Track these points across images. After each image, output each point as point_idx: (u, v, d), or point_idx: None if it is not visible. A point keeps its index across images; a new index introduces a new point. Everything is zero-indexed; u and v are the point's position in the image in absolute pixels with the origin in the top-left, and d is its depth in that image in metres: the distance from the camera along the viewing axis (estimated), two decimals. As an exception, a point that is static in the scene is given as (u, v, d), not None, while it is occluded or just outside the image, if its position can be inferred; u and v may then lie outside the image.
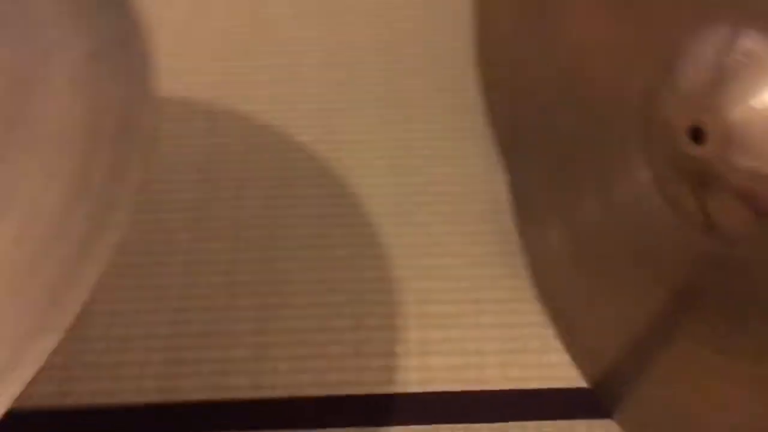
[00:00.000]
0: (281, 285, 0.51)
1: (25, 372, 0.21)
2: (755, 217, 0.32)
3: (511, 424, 0.44)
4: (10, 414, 0.21)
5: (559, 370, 0.47)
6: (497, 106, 0.55)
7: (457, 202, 0.56)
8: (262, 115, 0.61)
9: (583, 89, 0.43)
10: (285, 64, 0.65)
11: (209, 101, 0.62)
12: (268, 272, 0.52)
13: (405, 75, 0.64)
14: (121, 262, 0.52)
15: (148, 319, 0.49)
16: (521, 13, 0.48)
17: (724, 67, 0.32)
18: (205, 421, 0.44)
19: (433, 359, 0.48)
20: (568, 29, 0.43)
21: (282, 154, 0.59)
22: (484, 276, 0.52)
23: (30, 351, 0.21)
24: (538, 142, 0.49)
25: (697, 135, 0.33)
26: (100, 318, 0.49)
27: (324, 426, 0.44)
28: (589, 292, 0.45)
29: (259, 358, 0.47)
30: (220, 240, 0.53)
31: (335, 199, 0.56)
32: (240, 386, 0.46)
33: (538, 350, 0.48)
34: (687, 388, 0.38)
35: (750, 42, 0.31)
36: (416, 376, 0.47)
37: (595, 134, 0.43)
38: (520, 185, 0.52)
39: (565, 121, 0.45)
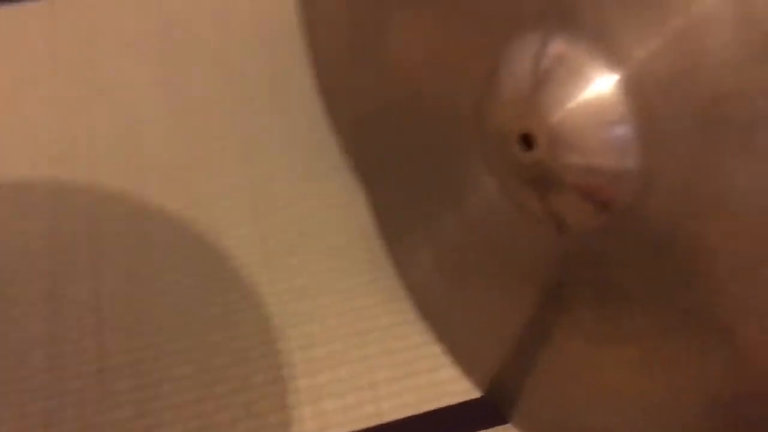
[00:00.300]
0: (157, 360, 0.49)
1: None
2: (595, 210, 0.33)
3: (414, 451, 0.44)
4: None
5: (454, 385, 0.47)
6: (348, 136, 0.55)
7: (326, 237, 0.55)
8: (108, 185, 0.58)
9: (421, 107, 0.44)
10: (124, 126, 0.62)
11: (49, 179, 0.59)
12: (140, 349, 0.49)
13: (255, 119, 0.63)
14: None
15: (16, 426, 0.45)
16: (350, 45, 0.48)
17: (540, 73, 0.33)
18: None
19: (327, 403, 0.47)
20: (395, 51, 0.44)
21: (136, 222, 0.56)
22: (364, 306, 0.51)
23: None
24: (391, 165, 0.49)
25: (527, 141, 0.34)
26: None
27: (226, 499, 0.42)
28: (464, 302, 0.46)
29: (145, 443, 0.45)
30: (82, 325, 0.50)
31: (201, 258, 0.54)
32: (130, 478, 0.43)
33: (429, 370, 0.48)
34: (568, 381, 0.39)
35: (559, 46, 0.32)
36: (313, 424, 0.46)
37: (441, 150, 0.43)
38: (383, 210, 0.52)
39: (412, 141, 0.46)
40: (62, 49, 0.68)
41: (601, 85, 0.31)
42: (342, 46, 0.53)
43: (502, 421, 0.45)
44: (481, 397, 0.46)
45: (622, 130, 0.31)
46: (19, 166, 0.59)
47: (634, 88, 0.30)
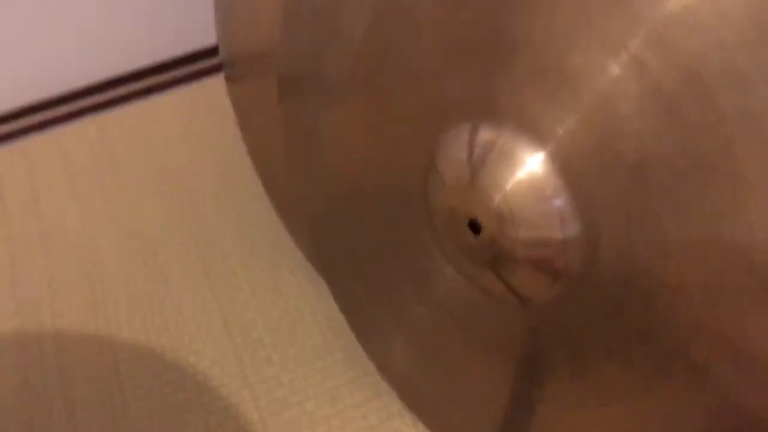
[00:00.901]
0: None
1: None
2: (549, 281, 0.34)
3: None
4: None
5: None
6: (303, 237, 0.55)
7: (300, 342, 0.55)
8: (73, 326, 0.58)
9: (367, 202, 0.44)
10: (81, 263, 0.62)
11: (13, 330, 0.58)
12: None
13: (211, 235, 0.63)
14: None
15: None
16: (288, 152, 0.49)
17: (474, 160, 0.34)
18: None
19: None
20: (330, 153, 0.45)
21: (107, 359, 0.55)
22: (350, 407, 0.51)
23: None
24: (350, 260, 0.49)
25: (474, 227, 0.34)
26: None
27: None
28: (447, 386, 0.46)
29: None
30: (66, 479, 0.49)
31: (178, 384, 0.53)
32: None
33: (424, 460, 0.48)
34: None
35: (487, 133, 0.34)
36: None
37: (395, 240, 0.44)
38: (350, 306, 0.52)
39: (365, 236, 0.46)
40: (9, 195, 0.68)
41: (532, 164, 0.32)
42: (279, 155, 0.55)
43: (505, 499, 0.44)
44: (480, 478, 0.46)
45: (560, 202, 0.32)
46: (-20, 323, 0.59)
47: (562, 163, 0.31)
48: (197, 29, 0.78)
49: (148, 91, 0.78)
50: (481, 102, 0.34)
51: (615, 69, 0.28)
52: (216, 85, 0.77)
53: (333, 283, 0.53)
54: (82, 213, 0.66)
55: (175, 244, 0.63)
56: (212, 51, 0.79)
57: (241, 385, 0.53)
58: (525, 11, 0.31)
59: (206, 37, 0.79)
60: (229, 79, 0.59)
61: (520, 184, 0.33)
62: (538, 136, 0.32)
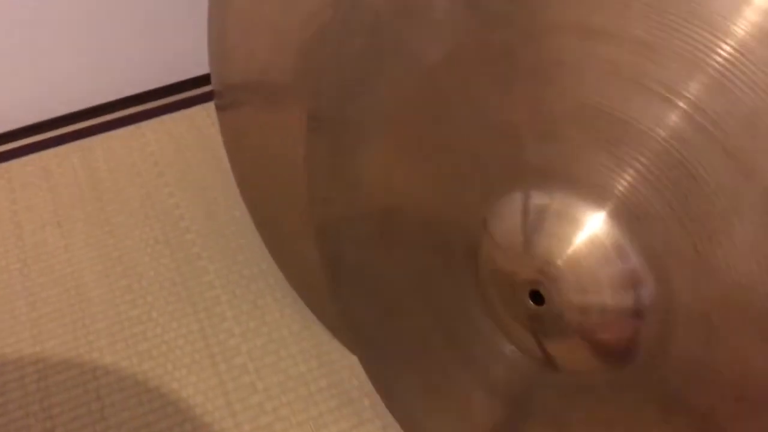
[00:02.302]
0: None
1: None
2: (594, 355, 0.33)
3: None
4: None
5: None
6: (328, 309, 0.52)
7: (283, 370, 0.55)
8: (55, 352, 0.57)
9: (410, 261, 0.41)
10: (64, 290, 0.62)
11: (-8, 356, 0.57)
12: None
13: (195, 263, 0.64)
14: None
15: None
16: (317, 194, 0.46)
17: (530, 226, 0.33)
18: None
19: None
20: (373, 198, 0.42)
21: (89, 386, 0.55)
22: (333, 434, 0.51)
23: None
24: (384, 320, 0.45)
25: (536, 296, 0.33)
26: None
27: None
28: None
29: None
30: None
31: (161, 413, 0.53)
32: None
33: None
34: None
35: (538, 199, 0.32)
36: None
37: (436, 299, 0.41)
38: (380, 371, 0.48)
39: (402, 290, 0.43)
40: (-8, 221, 0.68)
41: (592, 225, 0.30)
42: (270, 185, 0.55)
43: None
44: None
45: (627, 263, 0.30)
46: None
47: (626, 220, 0.29)
48: (184, 59, 0.79)
49: (133, 119, 0.78)
50: (531, 168, 0.32)
51: (673, 118, 0.27)
52: (202, 114, 0.78)
53: (361, 346, 0.49)
54: (64, 238, 0.66)
55: (159, 271, 0.63)
56: (199, 80, 0.80)
57: (225, 413, 0.53)
58: (574, 84, 0.30)
59: (193, 67, 0.80)
60: (220, 108, 0.60)
61: (582, 247, 0.31)
62: (594, 195, 0.30)
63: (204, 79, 0.78)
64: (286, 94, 0.50)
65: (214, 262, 0.63)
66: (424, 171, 0.38)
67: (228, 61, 0.55)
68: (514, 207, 0.33)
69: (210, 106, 0.74)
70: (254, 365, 0.56)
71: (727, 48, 0.26)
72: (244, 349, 0.57)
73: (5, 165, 0.74)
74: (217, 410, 0.53)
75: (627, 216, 0.30)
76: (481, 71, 0.33)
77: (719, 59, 0.26)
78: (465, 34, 0.33)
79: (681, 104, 0.27)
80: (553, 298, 0.32)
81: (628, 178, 0.29)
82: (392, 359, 0.45)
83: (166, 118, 0.79)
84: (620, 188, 0.29)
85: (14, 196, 0.71)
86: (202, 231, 0.66)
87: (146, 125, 0.78)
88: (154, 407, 0.53)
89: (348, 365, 0.55)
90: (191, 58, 0.78)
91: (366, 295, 0.45)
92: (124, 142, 0.76)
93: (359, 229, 0.43)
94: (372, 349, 0.47)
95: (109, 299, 0.61)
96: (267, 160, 0.56)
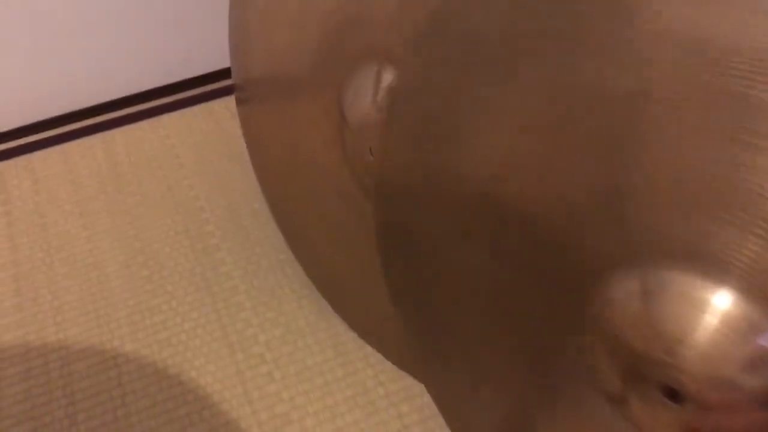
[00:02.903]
0: None
1: None
2: None
3: None
4: None
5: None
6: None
7: (301, 360, 0.56)
8: (77, 339, 0.59)
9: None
10: (86, 279, 0.63)
11: (18, 342, 0.59)
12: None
13: (214, 254, 0.65)
14: None
15: None
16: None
17: (654, 312, 0.30)
18: None
19: None
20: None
21: (110, 373, 0.56)
22: (350, 423, 0.52)
23: None
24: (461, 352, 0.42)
25: (672, 394, 0.30)
26: None
27: None
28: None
29: None
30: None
31: (180, 400, 0.54)
32: None
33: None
34: None
35: (661, 278, 0.29)
36: None
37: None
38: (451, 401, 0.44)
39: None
40: (15, 209, 0.69)
41: (720, 302, 0.28)
42: (286, 178, 0.56)
43: None
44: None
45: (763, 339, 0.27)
46: (-16, 334, 0.59)
47: (756, 291, 0.27)
48: (204, 53, 0.80)
49: (154, 112, 0.79)
50: (647, 246, 0.30)
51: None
52: (221, 107, 0.79)
53: (431, 378, 0.45)
54: (86, 228, 0.68)
55: (180, 261, 0.64)
56: (219, 74, 0.81)
57: (243, 401, 0.54)
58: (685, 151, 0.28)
59: (213, 61, 0.81)
60: (240, 102, 0.61)
61: (712, 328, 0.28)
62: (718, 270, 0.28)
63: (224, 73, 0.79)
64: (305, 88, 0.51)
65: (233, 253, 0.64)
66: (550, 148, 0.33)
67: (248, 55, 0.56)
68: (631, 290, 0.30)
69: (230, 100, 0.75)
70: (271, 355, 0.57)
71: None
72: (261, 339, 0.58)
73: (28, 156, 0.76)
74: (234, 398, 0.54)
75: (756, 286, 0.27)
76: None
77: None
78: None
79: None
80: (692, 399, 0.29)
81: (754, 245, 0.27)
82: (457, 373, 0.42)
83: (187, 112, 0.80)
84: (747, 257, 0.27)
85: (38, 187, 0.72)
86: (221, 223, 0.67)
87: (167, 118, 0.79)
88: (174, 394, 0.54)
89: (363, 356, 0.56)
90: (211, 52, 0.80)
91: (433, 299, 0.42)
92: (145, 135, 0.77)
93: (445, 219, 0.38)
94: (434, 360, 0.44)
95: (130, 289, 0.62)
96: (286, 154, 0.56)
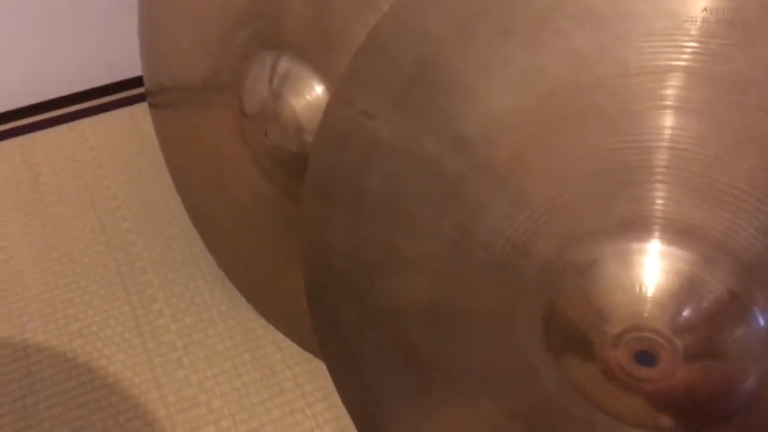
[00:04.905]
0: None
1: None
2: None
3: None
4: None
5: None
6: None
7: (210, 346, 0.58)
8: (-13, 331, 0.59)
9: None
10: (0, 272, 0.64)
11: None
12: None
13: (130, 248, 0.66)
14: None
15: None
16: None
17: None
18: None
19: (227, 500, 0.48)
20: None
21: (20, 362, 0.57)
22: (256, 403, 0.54)
23: None
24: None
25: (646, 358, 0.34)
26: None
27: None
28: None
29: None
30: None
31: (89, 386, 0.55)
32: None
33: (323, 450, 0.50)
34: None
35: None
36: None
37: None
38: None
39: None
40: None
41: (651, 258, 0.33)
42: (200, 179, 0.58)
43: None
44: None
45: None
46: None
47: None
48: (128, 59, 0.81)
49: (77, 116, 0.80)
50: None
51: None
52: (142, 111, 0.81)
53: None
54: (2, 226, 0.68)
55: (94, 257, 0.65)
56: (139, 80, 0.82)
57: (152, 386, 0.55)
58: None
59: (133, 67, 0.82)
60: (152, 105, 0.63)
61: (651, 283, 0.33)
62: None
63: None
64: (208, 84, 0.53)
65: (148, 248, 0.66)
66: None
67: (157, 57, 0.58)
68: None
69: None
70: (182, 342, 0.58)
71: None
72: (173, 328, 0.59)
73: (-54, 160, 0.76)
74: (143, 383, 0.55)
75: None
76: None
77: None
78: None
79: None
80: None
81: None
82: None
83: (108, 116, 0.81)
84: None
85: (-46, 188, 0.72)
86: (137, 219, 0.68)
87: (88, 122, 0.80)
88: (83, 381, 0.55)
89: (272, 341, 0.58)
90: (134, 58, 0.81)
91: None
92: (66, 139, 0.78)
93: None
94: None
95: (44, 284, 0.63)
96: (195, 150, 0.58)
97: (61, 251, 0.66)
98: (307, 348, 0.57)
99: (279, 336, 0.58)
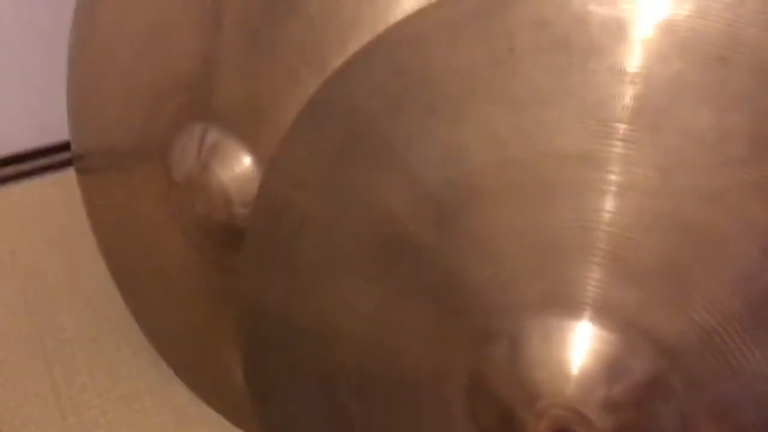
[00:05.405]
0: None
1: None
2: None
3: None
4: None
5: None
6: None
7: (137, 421, 0.56)
8: None
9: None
10: None
11: None
12: None
13: (53, 320, 0.64)
14: None
15: None
16: None
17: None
18: None
19: None
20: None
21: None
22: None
23: None
24: None
25: None
26: None
27: None
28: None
29: None
30: None
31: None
32: None
33: None
34: None
35: None
36: None
37: None
38: None
39: None
40: None
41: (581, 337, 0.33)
42: (127, 248, 0.57)
43: None
44: None
45: None
46: None
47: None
48: (56, 123, 0.80)
49: (6, 179, 0.78)
50: None
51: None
52: (72, 177, 0.79)
53: None
54: None
55: (15, 326, 0.63)
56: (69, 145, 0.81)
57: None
58: None
59: (64, 131, 0.81)
60: (79, 171, 0.62)
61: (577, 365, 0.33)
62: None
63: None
64: (135, 153, 0.52)
65: (73, 318, 0.64)
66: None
67: (84, 125, 0.57)
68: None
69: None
70: (106, 418, 0.56)
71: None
72: (96, 403, 0.57)
73: None
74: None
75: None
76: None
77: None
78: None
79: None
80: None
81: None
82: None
83: (38, 180, 0.79)
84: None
85: None
86: (63, 288, 0.66)
87: (18, 186, 0.78)
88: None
89: (200, 415, 0.56)
90: (62, 123, 0.80)
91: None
92: (-8, 203, 0.76)
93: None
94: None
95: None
96: (121, 219, 0.57)
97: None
98: (237, 424, 0.55)
99: (208, 411, 0.57)
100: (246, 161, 0.45)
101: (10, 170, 0.80)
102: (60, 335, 0.62)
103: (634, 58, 0.32)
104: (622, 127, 0.32)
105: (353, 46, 0.38)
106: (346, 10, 0.40)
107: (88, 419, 0.56)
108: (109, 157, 0.56)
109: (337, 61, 0.39)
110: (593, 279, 0.33)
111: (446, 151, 0.36)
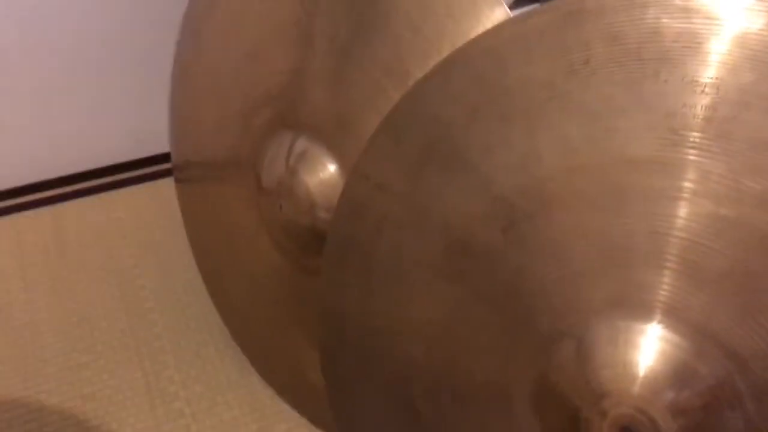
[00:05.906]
0: None
1: None
2: None
3: None
4: None
5: None
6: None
7: (218, 414, 0.59)
8: (6, 391, 0.61)
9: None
10: (20, 335, 0.66)
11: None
12: None
13: (146, 318, 0.68)
14: None
15: None
16: None
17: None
18: None
19: None
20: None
21: (30, 424, 0.58)
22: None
23: None
24: None
25: None
26: None
27: None
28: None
29: None
30: None
31: (96, 448, 0.56)
32: None
33: None
34: None
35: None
36: None
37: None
38: None
39: None
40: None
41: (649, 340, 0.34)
42: (222, 257, 0.61)
43: None
44: None
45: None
46: None
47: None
48: (157, 135, 0.86)
49: (106, 188, 0.84)
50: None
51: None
52: (169, 185, 0.84)
53: None
54: (26, 291, 0.71)
55: (112, 322, 0.67)
56: (166, 156, 0.86)
57: (163, 457, 0.56)
58: None
59: (157, 145, 0.86)
60: (178, 181, 0.66)
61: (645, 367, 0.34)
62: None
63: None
64: (229, 162, 0.56)
65: (164, 316, 0.68)
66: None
67: (183, 135, 0.62)
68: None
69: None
70: (190, 409, 0.59)
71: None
72: (182, 395, 0.60)
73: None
74: (153, 451, 0.56)
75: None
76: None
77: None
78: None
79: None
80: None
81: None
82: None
83: (135, 189, 0.85)
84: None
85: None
86: (156, 288, 0.71)
87: (115, 194, 0.84)
88: (93, 444, 0.57)
89: (278, 411, 0.59)
90: (162, 135, 0.85)
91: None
92: (94, 209, 0.82)
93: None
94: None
95: (62, 347, 0.65)
96: (215, 225, 0.61)
97: (81, 316, 0.68)
98: (312, 420, 0.58)
99: (285, 406, 0.59)
100: (331, 168, 0.48)
101: (108, 179, 0.86)
102: (152, 330, 0.66)
103: (706, 69, 0.33)
104: (693, 136, 0.33)
105: (435, 60, 0.41)
106: (429, 26, 0.43)
107: (174, 410, 0.59)
108: (205, 167, 0.60)
109: (419, 74, 0.41)
110: (663, 283, 0.34)
111: (520, 158, 0.38)
